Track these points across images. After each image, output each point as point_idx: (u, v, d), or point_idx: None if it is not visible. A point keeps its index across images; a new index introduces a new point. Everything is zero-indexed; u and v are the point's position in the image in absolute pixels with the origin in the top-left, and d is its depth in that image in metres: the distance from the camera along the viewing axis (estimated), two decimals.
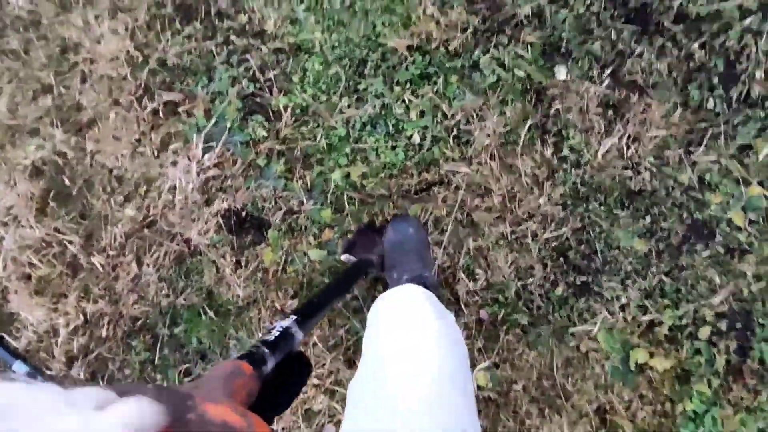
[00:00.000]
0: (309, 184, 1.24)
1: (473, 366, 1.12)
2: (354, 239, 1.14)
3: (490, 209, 1.17)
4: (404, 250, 1.07)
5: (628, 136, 1.15)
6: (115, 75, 1.33)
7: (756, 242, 1.09)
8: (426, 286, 0.96)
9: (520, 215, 1.17)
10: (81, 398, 0.23)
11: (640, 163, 1.14)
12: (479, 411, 1.09)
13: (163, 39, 1.32)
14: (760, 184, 1.09)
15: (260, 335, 0.48)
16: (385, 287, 1.14)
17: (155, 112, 1.31)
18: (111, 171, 1.31)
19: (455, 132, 1.20)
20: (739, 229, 1.10)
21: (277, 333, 0.49)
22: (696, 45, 1.13)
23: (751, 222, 1.10)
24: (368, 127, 1.24)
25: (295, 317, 0.54)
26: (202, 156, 1.25)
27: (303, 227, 1.23)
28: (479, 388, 1.13)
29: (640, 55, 1.15)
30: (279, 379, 0.46)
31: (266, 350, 0.45)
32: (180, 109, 1.30)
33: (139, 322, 1.26)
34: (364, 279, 1.16)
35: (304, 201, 1.23)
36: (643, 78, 1.15)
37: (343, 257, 1.09)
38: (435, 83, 1.21)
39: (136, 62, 1.33)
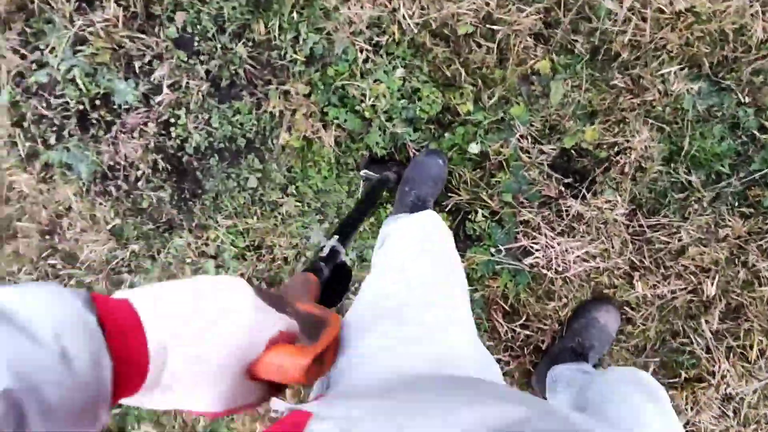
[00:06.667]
0: None
1: None
2: (372, 156, 1.33)
3: None
4: (424, 174, 1.28)
5: None
6: None
7: None
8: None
9: None
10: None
11: None
12: None
13: None
14: None
15: (318, 253, 0.70)
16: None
17: None
18: None
19: None
20: None
21: (328, 250, 0.69)
22: None
23: None
24: None
25: (338, 237, 0.73)
26: None
27: None
28: None
29: None
30: (332, 282, 0.64)
31: (322, 264, 0.64)
32: None
33: None
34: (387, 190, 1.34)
35: None
36: None
37: (362, 173, 1.29)
38: None
39: None
